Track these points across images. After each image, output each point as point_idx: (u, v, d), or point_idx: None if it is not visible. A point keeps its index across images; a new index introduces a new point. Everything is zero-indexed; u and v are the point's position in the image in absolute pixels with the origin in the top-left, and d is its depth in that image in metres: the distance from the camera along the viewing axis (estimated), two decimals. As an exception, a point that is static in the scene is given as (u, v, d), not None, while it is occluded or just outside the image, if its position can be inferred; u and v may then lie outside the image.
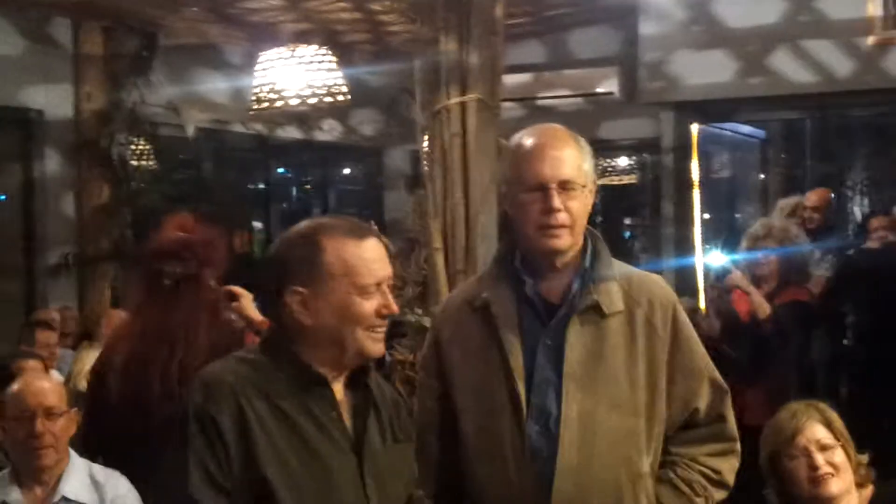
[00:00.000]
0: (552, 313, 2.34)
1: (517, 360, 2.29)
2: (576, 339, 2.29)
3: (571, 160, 2.31)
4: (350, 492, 1.97)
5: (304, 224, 2.10)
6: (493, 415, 2.31)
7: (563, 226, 2.29)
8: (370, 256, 2.02)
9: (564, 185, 2.28)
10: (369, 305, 2.00)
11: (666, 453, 2.38)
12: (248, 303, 3.36)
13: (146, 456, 2.97)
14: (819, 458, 2.77)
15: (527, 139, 2.36)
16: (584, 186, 2.31)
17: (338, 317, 1.99)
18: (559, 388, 2.27)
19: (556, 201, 2.27)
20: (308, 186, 11.06)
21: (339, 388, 2.05)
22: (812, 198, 6.32)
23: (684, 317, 2.42)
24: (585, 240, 2.38)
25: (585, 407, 2.26)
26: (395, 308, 2.03)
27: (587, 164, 2.34)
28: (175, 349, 3.13)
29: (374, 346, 2.03)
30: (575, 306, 2.31)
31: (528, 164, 2.31)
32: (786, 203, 6.48)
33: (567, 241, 2.31)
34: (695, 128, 8.04)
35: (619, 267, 2.41)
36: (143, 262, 3.39)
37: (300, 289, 2.00)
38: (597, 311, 2.30)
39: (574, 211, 2.29)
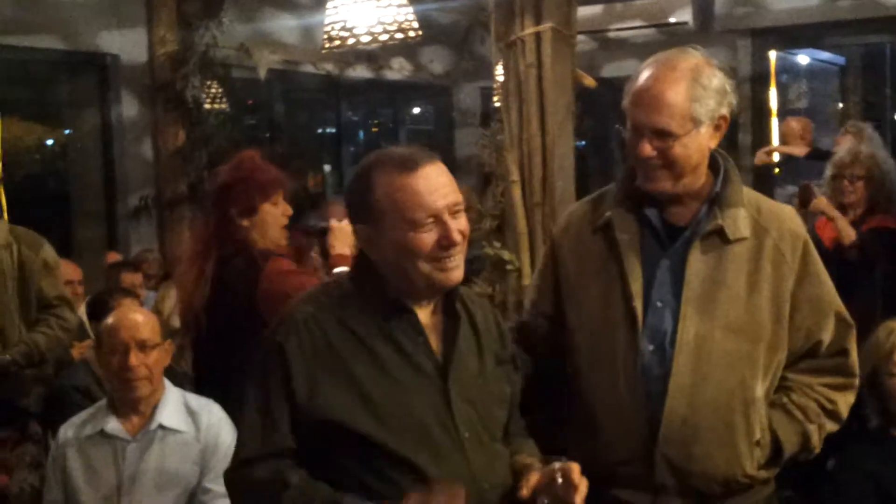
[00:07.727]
0: (674, 236, 2.31)
1: (637, 281, 2.28)
2: (697, 262, 2.26)
3: (669, 106, 2.21)
4: (431, 415, 1.95)
5: (365, 158, 2.07)
6: (607, 332, 2.30)
7: (656, 169, 2.25)
8: (422, 188, 1.93)
9: (658, 133, 2.22)
10: (427, 238, 1.93)
11: (782, 379, 2.35)
12: (334, 235, 3.40)
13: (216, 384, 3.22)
14: None
15: (639, 75, 2.28)
16: (688, 131, 2.21)
17: (396, 252, 1.95)
18: (676, 310, 2.25)
19: (647, 148, 2.22)
20: (375, 129, 11.02)
21: (426, 314, 2.02)
22: (795, 126, 6.12)
23: (815, 252, 2.36)
24: (718, 165, 2.33)
25: (702, 329, 2.24)
26: (455, 237, 1.94)
27: (699, 104, 2.22)
28: (196, 282, 3.32)
29: (445, 275, 1.96)
30: (699, 230, 2.28)
31: (630, 104, 2.27)
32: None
33: (667, 184, 2.27)
34: (773, 55, 7.88)
35: (750, 195, 2.36)
36: None
37: (361, 226, 2.00)
38: (720, 236, 2.27)
39: (673, 155, 2.22)
